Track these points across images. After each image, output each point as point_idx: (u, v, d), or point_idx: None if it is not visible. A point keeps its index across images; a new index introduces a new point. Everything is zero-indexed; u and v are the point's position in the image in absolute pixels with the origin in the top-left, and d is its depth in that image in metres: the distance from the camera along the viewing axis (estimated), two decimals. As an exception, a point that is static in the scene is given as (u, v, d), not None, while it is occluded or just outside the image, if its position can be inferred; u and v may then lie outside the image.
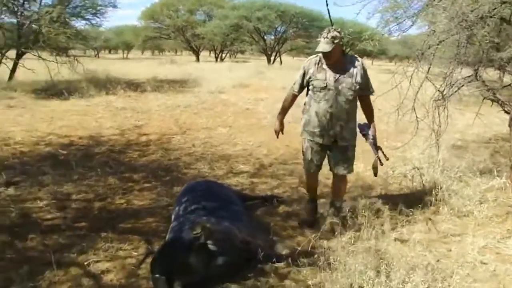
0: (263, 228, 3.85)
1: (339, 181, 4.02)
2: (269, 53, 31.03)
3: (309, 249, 3.32)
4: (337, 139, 3.79)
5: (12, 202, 4.44)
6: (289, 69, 24.10)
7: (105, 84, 13.40)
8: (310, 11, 27.84)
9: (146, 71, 20.01)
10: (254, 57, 43.13)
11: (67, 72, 13.01)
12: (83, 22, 15.20)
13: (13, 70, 14.01)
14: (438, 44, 4.96)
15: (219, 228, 3.06)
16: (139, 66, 25.95)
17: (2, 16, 12.89)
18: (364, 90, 3.77)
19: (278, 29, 29.37)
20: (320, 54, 3.75)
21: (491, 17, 4.77)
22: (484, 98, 6.04)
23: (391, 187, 5.15)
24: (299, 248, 3.37)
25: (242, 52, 44.45)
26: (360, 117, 3.99)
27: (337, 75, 3.68)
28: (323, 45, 3.60)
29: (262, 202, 4.47)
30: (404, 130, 7.03)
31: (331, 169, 4.00)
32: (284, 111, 4.05)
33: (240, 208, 3.69)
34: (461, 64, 5.06)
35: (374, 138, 3.86)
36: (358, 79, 3.69)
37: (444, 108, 5.17)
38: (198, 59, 35.28)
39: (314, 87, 3.76)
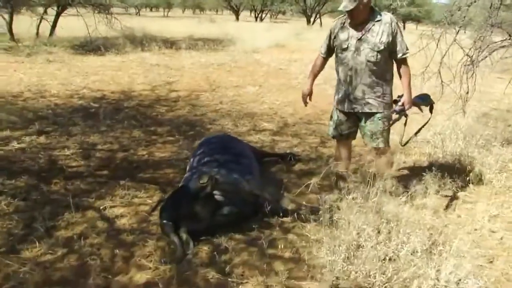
0: (274, 183, 3.92)
1: (377, 155, 3.60)
2: (309, 14, 30.38)
3: (317, 206, 3.37)
4: (359, 105, 3.46)
5: (42, 149, 4.68)
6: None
7: (141, 41, 13.54)
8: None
9: (183, 30, 20.02)
10: (295, 18, 42.37)
11: (105, 28, 13.23)
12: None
13: (53, 26, 14.32)
14: (468, 6, 4.79)
15: (227, 179, 3.15)
16: (177, 24, 25.97)
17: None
18: (393, 52, 3.38)
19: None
20: (346, 16, 3.55)
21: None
22: (519, 65, 5.83)
23: (412, 151, 5.09)
24: (307, 204, 3.42)
25: (284, 13, 43.71)
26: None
27: (361, 35, 3.37)
28: (345, 3, 3.28)
29: (279, 159, 4.53)
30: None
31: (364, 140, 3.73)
32: (312, 75, 3.76)
33: (253, 162, 3.75)
34: (494, 27, 4.88)
35: (402, 106, 3.41)
36: (384, 38, 3.32)
37: (473, 73, 5.03)
38: (237, 19, 34.99)
39: (337, 49, 3.51)
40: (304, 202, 3.49)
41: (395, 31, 3.37)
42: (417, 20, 42.39)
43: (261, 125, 5.87)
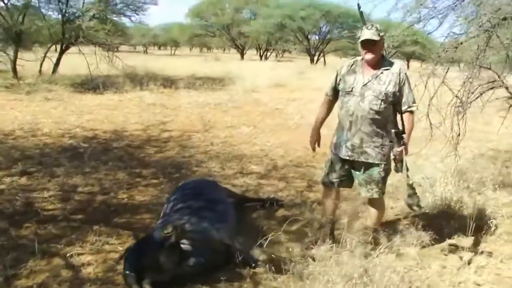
0: (252, 230, 3.79)
1: (370, 204, 3.56)
2: (313, 53, 30.76)
3: (293, 256, 3.22)
4: (356, 153, 3.32)
5: (21, 191, 4.60)
6: (333, 70, 23.82)
7: (141, 80, 13.63)
8: (355, 12, 27.19)
9: (187, 68, 20.24)
10: (300, 57, 42.93)
11: (106, 67, 13.41)
12: (124, 19, 15.44)
13: (56, 64, 14.54)
14: (455, 47, 4.74)
15: (196, 228, 3.04)
16: (182, 63, 26.29)
17: (49, 13, 13.40)
18: (398, 103, 3.27)
19: (323, 29, 29.08)
20: (357, 58, 3.46)
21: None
22: (510, 106, 5.73)
23: (400, 195, 4.94)
24: (280, 255, 3.28)
25: (290, 51, 44.35)
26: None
27: (367, 80, 3.27)
28: (369, 34, 3.18)
29: (262, 205, 4.40)
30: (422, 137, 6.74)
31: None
32: (319, 119, 3.59)
33: (229, 209, 3.63)
34: (482, 68, 4.82)
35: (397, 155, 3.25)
36: (390, 88, 3.23)
37: (463, 115, 4.93)
38: (242, 57, 35.45)
39: (341, 92, 3.40)
40: (278, 252, 3.35)
41: (403, 81, 3.28)
42: (422, 59, 42.71)
43: (249, 167, 5.77)
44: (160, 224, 3.03)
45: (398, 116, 3.34)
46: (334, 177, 3.50)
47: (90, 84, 12.68)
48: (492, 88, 5.14)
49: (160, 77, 15.52)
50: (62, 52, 14.64)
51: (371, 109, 3.23)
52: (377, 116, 3.25)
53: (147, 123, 8.34)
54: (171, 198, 3.68)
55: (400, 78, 3.26)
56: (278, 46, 36.59)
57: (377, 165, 3.33)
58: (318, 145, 3.61)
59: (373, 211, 3.57)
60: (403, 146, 3.22)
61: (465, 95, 4.85)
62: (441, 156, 5.53)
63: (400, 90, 3.26)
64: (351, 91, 3.32)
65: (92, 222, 3.86)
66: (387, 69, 3.30)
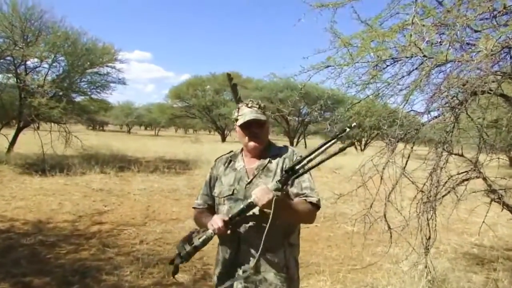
0: None
1: None
2: (292, 135, 30.24)
3: None
4: (251, 283, 2.27)
5: None
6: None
7: (100, 162, 12.64)
8: (335, 93, 27.08)
9: (161, 149, 19.49)
10: (279, 139, 42.63)
11: (63, 147, 12.54)
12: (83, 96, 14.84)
13: (12, 143, 13.65)
14: (416, 130, 3.86)
15: None
16: (159, 143, 25.65)
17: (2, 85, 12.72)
18: (292, 195, 2.30)
19: (302, 111, 28.70)
20: (233, 151, 2.55)
21: (488, 92, 3.63)
22: (492, 200, 4.77)
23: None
24: None
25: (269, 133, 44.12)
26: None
27: (252, 176, 2.35)
28: (253, 113, 2.34)
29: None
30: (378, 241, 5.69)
31: None
32: (204, 215, 2.44)
33: None
34: (451, 154, 3.91)
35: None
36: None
37: (432, 214, 3.95)
38: (224, 140, 34.87)
39: (217, 198, 2.42)
40: None
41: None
42: (406, 141, 42.57)
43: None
44: None
45: None
46: None
47: (41, 165, 11.65)
48: (466, 180, 4.19)
49: (125, 158, 14.66)
50: (19, 129, 13.78)
51: (263, 213, 2.16)
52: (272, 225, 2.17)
53: (81, 213, 7.24)
54: None
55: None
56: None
57: None
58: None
59: None
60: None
61: (433, 189, 3.91)
62: (412, 259, 4.51)
63: (295, 182, 2.28)
64: (232, 194, 2.33)
65: None
66: (277, 155, 2.37)
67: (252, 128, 2.35)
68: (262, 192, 2.05)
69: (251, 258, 2.23)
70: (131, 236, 6.10)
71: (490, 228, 5.22)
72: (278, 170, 2.29)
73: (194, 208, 2.54)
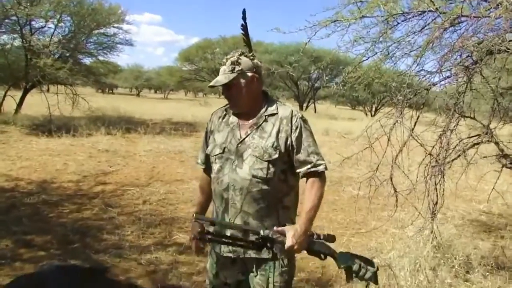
0: None
1: None
2: (301, 100, 29.91)
3: None
4: (241, 246, 2.14)
5: None
6: (320, 118, 22.96)
7: (107, 123, 12.56)
8: (345, 58, 26.66)
9: (169, 112, 19.37)
10: (290, 103, 42.30)
11: (70, 108, 12.51)
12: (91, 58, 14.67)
13: (19, 104, 13.62)
14: (427, 90, 3.69)
15: None
16: (167, 106, 25.56)
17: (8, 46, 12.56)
18: (295, 163, 2.14)
19: (312, 75, 28.34)
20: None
21: (506, 50, 3.41)
22: (503, 166, 4.63)
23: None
24: None
25: (278, 98, 43.77)
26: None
27: (244, 134, 2.18)
28: (221, 76, 2.16)
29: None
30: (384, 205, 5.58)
31: None
32: (199, 203, 2.44)
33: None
34: (462, 117, 3.75)
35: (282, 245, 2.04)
36: (279, 142, 2.11)
37: (441, 178, 3.81)
38: (232, 103, 34.64)
39: (210, 155, 2.26)
40: None
41: (298, 130, 2.13)
42: (416, 108, 42.13)
43: (174, 236, 4.59)
44: None
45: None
46: (228, 276, 2.27)
47: (47, 127, 11.60)
48: (477, 144, 4.03)
49: (133, 120, 14.59)
50: (26, 91, 13.71)
51: (254, 176, 2.09)
52: (265, 187, 2.09)
53: (85, 174, 7.20)
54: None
55: (292, 125, 2.14)
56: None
57: (275, 260, 2.14)
58: (202, 243, 2.32)
59: None
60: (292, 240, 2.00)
61: (442, 152, 3.76)
62: (418, 225, 4.40)
63: (295, 143, 2.12)
64: (223, 153, 2.17)
65: None
66: (273, 114, 2.18)
67: (224, 91, 2.19)
68: (301, 241, 2.02)
69: (241, 221, 2.12)
70: (135, 197, 6.06)
71: (500, 195, 5.09)
72: (274, 132, 2.12)
73: (197, 163, 2.43)
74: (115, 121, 13.31)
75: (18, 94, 13.82)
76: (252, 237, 2.05)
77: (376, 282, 2.08)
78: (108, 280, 3.28)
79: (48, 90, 13.52)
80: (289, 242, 1.99)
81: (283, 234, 2.02)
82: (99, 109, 14.52)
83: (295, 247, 1.99)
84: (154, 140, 11.15)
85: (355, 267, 2.07)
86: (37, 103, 12.79)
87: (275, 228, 2.04)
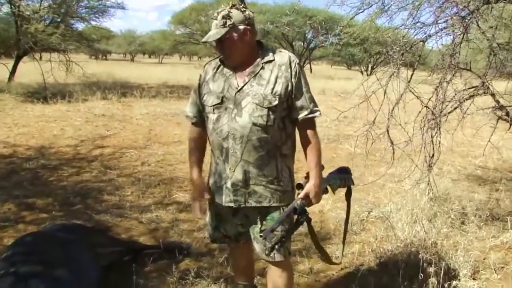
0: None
1: (270, 270, 2.36)
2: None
3: None
4: (241, 196, 2.19)
5: None
6: (316, 78, 22.83)
7: (102, 88, 12.46)
8: (341, 17, 26.30)
9: (164, 76, 19.21)
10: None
11: (64, 75, 12.37)
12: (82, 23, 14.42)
13: (12, 72, 13.47)
14: (423, 41, 3.67)
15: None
16: (162, 70, 25.29)
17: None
18: (293, 109, 2.18)
19: (307, 35, 27.97)
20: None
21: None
22: (499, 118, 4.65)
23: (354, 238, 3.82)
24: None
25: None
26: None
27: (242, 83, 2.16)
28: (213, 30, 2.14)
29: (160, 254, 3.26)
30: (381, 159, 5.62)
31: None
32: (193, 162, 2.42)
33: (81, 274, 2.48)
34: (459, 70, 3.74)
35: (305, 200, 2.18)
36: (278, 88, 2.11)
37: (437, 131, 3.83)
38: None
39: (207, 106, 2.24)
40: None
41: (297, 76, 2.14)
42: (411, 65, 41.91)
43: (173, 195, 4.65)
44: None
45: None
46: (229, 229, 2.36)
47: (42, 93, 11.51)
48: (473, 96, 4.04)
49: (128, 85, 14.48)
50: (18, 58, 13.53)
51: (254, 124, 2.11)
52: (264, 135, 2.12)
53: (83, 138, 7.21)
54: (4, 255, 2.52)
55: (291, 72, 2.14)
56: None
57: (276, 209, 2.20)
58: (207, 195, 2.33)
59: (275, 279, 2.34)
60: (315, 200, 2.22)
61: (438, 105, 3.77)
62: (415, 178, 4.45)
63: (294, 89, 2.15)
64: (221, 103, 2.17)
65: None
66: (270, 61, 2.17)
67: (217, 45, 2.18)
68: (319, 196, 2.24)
69: (241, 170, 2.15)
70: (133, 159, 6.10)
71: (495, 148, 5.14)
72: (272, 78, 2.12)
73: (187, 117, 2.40)
74: (110, 86, 13.22)
75: (11, 62, 13.65)
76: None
77: (353, 183, 2.59)
78: (111, 237, 3.33)
79: (40, 58, 13.32)
80: (314, 201, 2.21)
81: (307, 196, 2.18)
82: (94, 75, 14.37)
83: (316, 196, 2.20)
84: (150, 104, 11.12)
85: (341, 182, 2.51)
86: (31, 71, 12.62)
87: (299, 196, 2.18)
